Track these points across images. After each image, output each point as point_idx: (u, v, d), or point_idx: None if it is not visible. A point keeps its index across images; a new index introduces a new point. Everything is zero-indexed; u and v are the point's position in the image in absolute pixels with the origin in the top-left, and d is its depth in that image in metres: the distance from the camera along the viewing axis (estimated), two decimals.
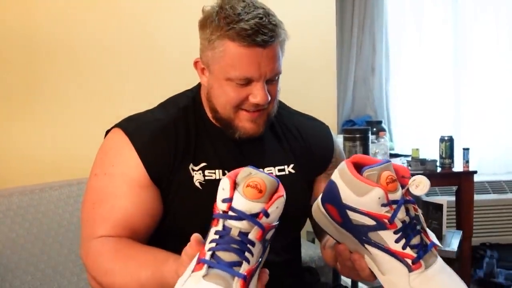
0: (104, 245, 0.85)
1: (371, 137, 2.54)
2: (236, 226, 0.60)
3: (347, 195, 0.70)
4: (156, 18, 1.91)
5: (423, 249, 0.69)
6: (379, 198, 0.67)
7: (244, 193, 0.61)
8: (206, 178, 0.93)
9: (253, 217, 0.60)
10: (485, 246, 2.94)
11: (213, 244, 0.60)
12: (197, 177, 0.92)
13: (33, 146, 1.78)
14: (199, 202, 0.89)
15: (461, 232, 2.30)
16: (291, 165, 0.99)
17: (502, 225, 3.05)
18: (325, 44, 2.10)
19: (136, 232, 0.89)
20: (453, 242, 2.14)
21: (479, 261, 2.75)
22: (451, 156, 2.53)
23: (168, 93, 1.05)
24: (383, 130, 2.87)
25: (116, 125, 0.96)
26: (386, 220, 0.68)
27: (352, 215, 0.70)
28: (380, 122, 3.07)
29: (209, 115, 0.97)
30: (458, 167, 2.55)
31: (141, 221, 0.89)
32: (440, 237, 2.17)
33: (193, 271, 0.60)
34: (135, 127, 0.93)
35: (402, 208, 0.69)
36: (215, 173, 0.93)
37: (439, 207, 2.18)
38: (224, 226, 0.61)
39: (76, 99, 1.83)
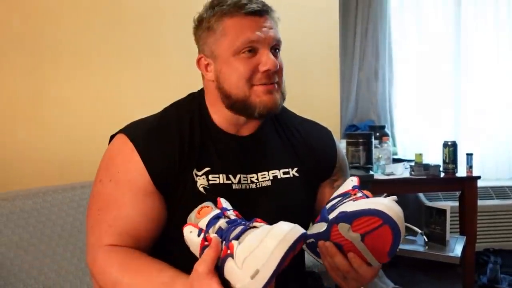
0: (112, 256, 0.86)
1: (374, 142, 2.54)
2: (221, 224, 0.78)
3: None
4: (160, 23, 1.92)
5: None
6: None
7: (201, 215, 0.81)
8: (210, 182, 0.92)
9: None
10: (488, 252, 2.92)
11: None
12: (201, 182, 0.92)
13: (37, 150, 1.79)
14: None
15: (465, 237, 2.29)
16: (295, 169, 1.00)
17: (506, 230, 3.03)
18: (329, 48, 2.10)
19: (142, 239, 0.89)
20: (457, 248, 2.12)
21: (483, 267, 2.74)
22: (454, 161, 2.52)
23: (173, 97, 1.06)
24: (386, 135, 2.87)
25: (121, 131, 0.96)
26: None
27: None
28: (383, 127, 3.07)
29: (214, 116, 0.97)
30: (461, 172, 2.55)
31: (146, 228, 0.89)
32: (443, 242, 2.15)
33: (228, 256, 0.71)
34: (140, 134, 0.93)
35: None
36: (218, 177, 0.93)
37: (442, 212, 2.16)
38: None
39: (81, 102, 1.84)
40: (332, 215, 0.83)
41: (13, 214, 1.31)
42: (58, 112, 1.81)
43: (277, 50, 0.94)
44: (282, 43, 0.95)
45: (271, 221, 0.84)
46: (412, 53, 3.32)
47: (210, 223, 0.77)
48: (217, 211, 0.80)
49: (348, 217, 0.77)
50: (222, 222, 0.77)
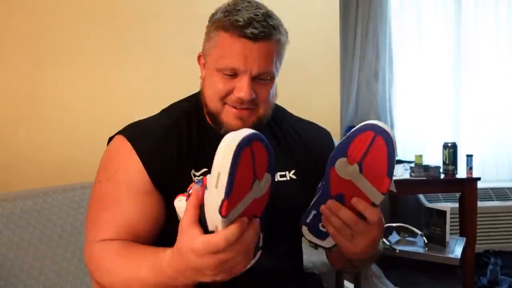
0: (107, 247, 0.86)
1: None
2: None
3: None
4: (160, 24, 1.92)
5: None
6: None
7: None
8: None
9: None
10: (488, 253, 2.92)
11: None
12: None
13: (37, 151, 1.79)
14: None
15: (465, 239, 2.29)
16: (292, 171, 0.99)
17: (506, 232, 3.03)
18: (329, 49, 2.10)
19: (139, 238, 0.89)
20: (457, 249, 2.13)
21: (483, 268, 2.74)
22: (454, 162, 2.53)
23: (172, 98, 1.06)
24: None
25: (119, 132, 0.96)
26: None
27: None
28: None
29: (208, 117, 0.97)
30: (461, 173, 2.55)
31: (145, 227, 0.89)
32: (443, 243, 2.16)
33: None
34: (138, 134, 0.94)
35: None
36: None
37: (442, 213, 2.17)
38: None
39: (81, 103, 1.84)
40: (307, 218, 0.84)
41: (13, 214, 1.32)
42: (58, 113, 1.82)
43: (267, 79, 0.90)
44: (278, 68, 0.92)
45: (269, 223, 0.84)
46: (412, 54, 3.32)
47: (194, 187, 0.75)
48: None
49: (341, 150, 0.78)
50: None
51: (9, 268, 1.26)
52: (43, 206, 1.38)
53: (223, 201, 0.61)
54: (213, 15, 0.92)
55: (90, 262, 0.88)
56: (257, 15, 0.87)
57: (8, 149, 1.76)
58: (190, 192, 0.73)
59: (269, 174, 0.68)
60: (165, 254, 0.74)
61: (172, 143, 0.93)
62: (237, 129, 0.87)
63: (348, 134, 0.79)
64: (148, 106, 1.09)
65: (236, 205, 0.64)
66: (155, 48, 1.91)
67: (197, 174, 0.93)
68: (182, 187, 0.90)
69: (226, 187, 0.61)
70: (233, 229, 0.64)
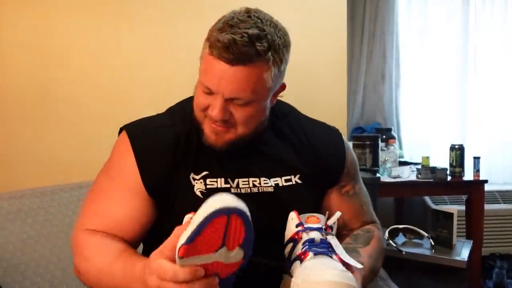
0: (90, 237, 0.90)
1: (381, 144, 2.54)
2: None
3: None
4: (168, 23, 1.92)
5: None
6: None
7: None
8: (208, 187, 0.92)
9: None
10: (495, 256, 2.90)
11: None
12: (198, 186, 0.92)
13: (44, 149, 1.79)
14: None
15: (472, 241, 2.28)
16: (298, 175, 0.98)
17: None
18: (336, 51, 2.09)
19: (124, 234, 0.91)
20: (464, 252, 2.11)
21: (489, 272, 2.72)
22: (461, 164, 2.51)
23: (180, 98, 1.06)
24: (393, 137, 2.86)
25: (126, 126, 0.98)
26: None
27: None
28: (390, 129, 3.06)
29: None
30: (468, 176, 2.53)
31: (130, 227, 0.92)
32: (450, 246, 2.14)
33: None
34: (138, 133, 0.96)
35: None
36: (217, 181, 0.93)
37: (449, 216, 2.16)
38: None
39: (88, 103, 1.84)
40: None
41: (20, 212, 1.32)
42: (65, 112, 1.82)
43: (243, 104, 0.87)
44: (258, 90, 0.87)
45: (273, 227, 0.84)
46: (419, 55, 3.31)
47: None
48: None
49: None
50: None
51: (15, 265, 1.26)
52: (50, 204, 1.38)
53: (182, 245, 0.65)
54: (218, 20, 0.89)
55: (74, 246, 0.93)
56: (243, 37, 0.82)
57: (15, 148, 1.77)
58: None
59: (242, 250, 0.68)
60: (138, 262, 0.78)
61: (171, 145, 0.94)
62: (212, 144, 0.92)
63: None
64: (156, 105, 1.09)
65: (193, 255, 0.66)
66: (163, 47, 1.92)
67: (197, 177, 0.93)
68: (181, 190, 0.91)
69: (189, 235, 0.64)
70: (183, 270, 0.66)
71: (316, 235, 0.82)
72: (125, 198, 0.92)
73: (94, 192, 0.96)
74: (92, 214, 0.93)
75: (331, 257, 0.79)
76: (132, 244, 0.92)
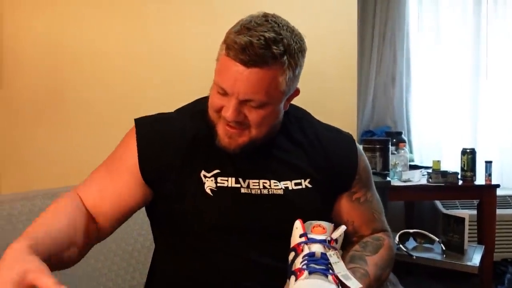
0: (69, 199, 0.91)
1: (391, 148, 2.52)
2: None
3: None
4: (180, 26, 1.93)
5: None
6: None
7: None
8: (218, 185, 0.93)
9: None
10: (506, 262, 2.86)
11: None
12: (209, 184, 0.93)
13: (57, 150, 1.81)
14: (210, 208, 0.91)
15: (483, 246, 2.25)
16: (308, 180, 0.97)
17: None
18: (346, 53, 2.09)
19: (101, 206, 0.92)
20: (475, 257, 2.09)
21: (501, 277, 2.68)
22: (473, 169, 2.49)
23: (190, 100, 1.06)
24: (403, 141, 2.84)
25: (137, 117, 1.01)
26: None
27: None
28: (400, 133, 3.04)
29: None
30: (480, 180, 2.51)
31: (110, 205, 0.93)
32: (461, 251, 2.12)
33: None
34: (146, 122, 0.99)
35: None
36: (227, 180, 0.93)
37: (461, 220, 2.13)
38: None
39: (100, 104, 1.86)
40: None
41: (32, 213, 1.33)
42: (78, 113, 1.84)
43: (257, 106, 0.88)
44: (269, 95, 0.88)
45: (281, 229, 0.84)
46: (430, 58, 3.28)
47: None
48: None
49: None
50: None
51: None
52: None
53: None
54: (236, 23, 0.90)
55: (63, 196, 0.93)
56: (260, 40, 0.83)
57: (28, 149, 1.79)
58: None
59: None
60: (30, 242, 0.77)
61: (177, 140, 0.95)
62: (225, 146, 0.92)
63: None
64: (168, 107, 1.09)
65: None
66: (176, 49, 1.93)
67: (208, 175, 0.93)
68: (189, 187, 0.92)
69: None
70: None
71: (317, 249, 0.81)
72: (119, 172, 0.94)
73: (103, 163, 0.99)
74: (89, 182, 0.96)
75: (327, 276, 0.77)
76: (103, 223, 0.92)
